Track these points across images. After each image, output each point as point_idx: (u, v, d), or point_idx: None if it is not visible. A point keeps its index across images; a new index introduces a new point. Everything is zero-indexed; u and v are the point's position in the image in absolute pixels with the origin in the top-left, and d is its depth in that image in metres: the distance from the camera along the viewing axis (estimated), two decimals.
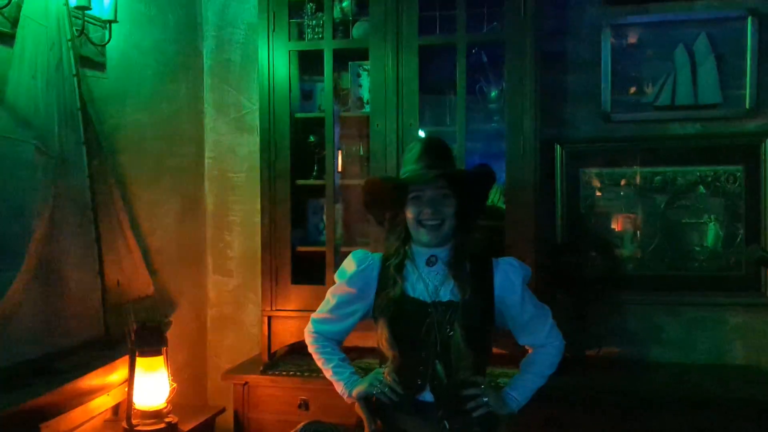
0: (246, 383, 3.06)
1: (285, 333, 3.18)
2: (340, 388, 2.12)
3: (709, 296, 3.17)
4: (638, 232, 3.24)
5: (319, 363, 2.19)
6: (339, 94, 3.25)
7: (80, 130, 2.56)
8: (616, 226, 3.26)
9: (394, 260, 2.08)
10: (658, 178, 3.20)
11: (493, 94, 3.13)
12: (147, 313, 2.85)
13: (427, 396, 2.02)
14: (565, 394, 2.73)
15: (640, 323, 3.25)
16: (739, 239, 3.14)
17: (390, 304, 2.04)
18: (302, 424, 2.34)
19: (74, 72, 2.53)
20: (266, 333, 3.17)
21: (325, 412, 2.77)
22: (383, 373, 2.05)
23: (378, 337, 2.09)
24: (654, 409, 2.79)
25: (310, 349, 2.22)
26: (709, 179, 3.16)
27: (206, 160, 3.68)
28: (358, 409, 2.10)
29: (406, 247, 2.10)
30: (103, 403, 2.57)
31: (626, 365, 3.16)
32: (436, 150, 2.09)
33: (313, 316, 2.23)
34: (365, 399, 2.09)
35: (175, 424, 2.67)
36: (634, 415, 2.78)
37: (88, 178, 2.59)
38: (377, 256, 2.13)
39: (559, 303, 2.85)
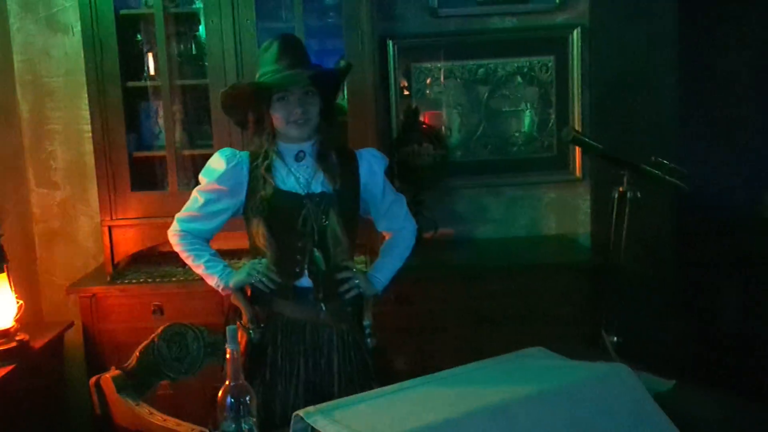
0: (93, 295, 2.97)
1: (127, 242, 3.09)
2: (214, 281, 2.15)
3: (526, 177, 3.53)
4: (464, 122, 3.49)
5: (188, 260, 2.19)
6: None
7: None
8: (445, 117, 3.48)
9: (262, 160, 2.11)
10: (481, 70, 3.45)
11: None
12: None
13: (305, 282, 2.12)
14: (409, 272, 2.98)
15: (468, 205, 3.56)
16: (551, 124, 3.50)
17: (264, 202, 2.08)
18: (162, 328, 2.34)
19: None
20: (108, 243, 3.07)
21: (181, 316, 2.77)
22: (260, 263, 2.11)
23: (253, 234, 2.13)
24: (484, 277, 3.14)
25: (177, 248, 2.21)
26: (525, 69, 3.46)
27: (16, 64, 3.35)
28: (234, 300, 2.16)
29: (274, 146, 2.13)
30: None
31: (459, 243, 3.49)
32: (293, 48, 2.11)
33: (179, 215, 2.20)
34: (241, 290, 2.15)
35: (27, 342, 2.57)
36: (469, 284, 3.11)
37: None
38: (245, 154, 2.14)
39: (399, 191, 3.05)
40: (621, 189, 2.35)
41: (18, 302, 2.57)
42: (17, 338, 2.54)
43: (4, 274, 2.53)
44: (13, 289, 2.56)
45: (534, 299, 3.09)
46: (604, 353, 2.26)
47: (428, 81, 3.44)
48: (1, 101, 3.26)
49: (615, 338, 2.53)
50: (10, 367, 2.41)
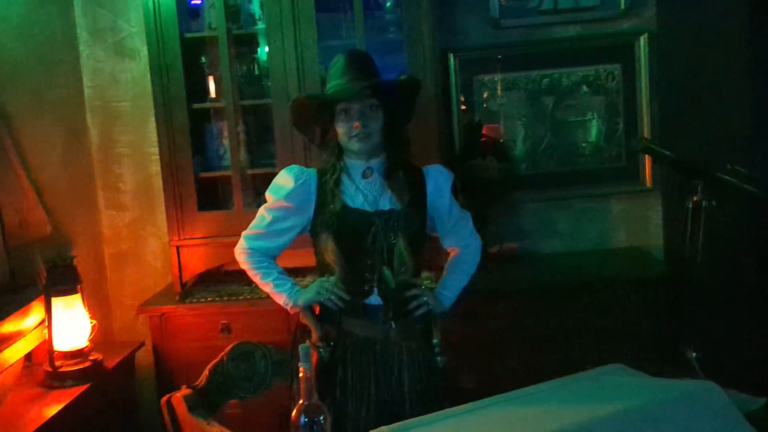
0: (163, 314, 3.01)
1: (195, 262, 3.12)
2: (282, 299, 2.14)
3: (594, 188, 3.43)
4: (529, 134, 3.42)
5: (256, 278, 2.19)
6: (228, 11, 3.13)
7: None
8: (509, 129, 3.42)
9: (330, 175, 2.10)
10: (545, 80, 3.38)
11: (388, 4, 3.13)
12: (47, 255, 2.72)
13: (374, 300, 2.10)
14: (476, 289, 2.92)
15: (534, 219, 3.48)
16: (619, 133, 3.41)
17: (333, 217, 2.07)
18: (230, 346, 2.35)
19: None
20: (176, 263, 3.10)
21: (248, 335, 2.78)
22: (328, 281, 2.09)
23: (321, 251, 2.12)
24: (553, 293, 3.05)
25: (244, 266, 2.21)
26: (591, 78, 3.38)
27: (86, 90, 3.45)
28: (303, 318, 2.14)
29: (341, 162, 2.12)
30: (19, 350, 2.44)
31: (526, 258, 3.40)
32: (359, 62, 2.11)
33: (246, 233, 2.21)
34: (309, 308, 2.13)
35: (101, 362, 2.60)
36: (538, 300, 3.03)
37: None
38: (312, 171, 2.14)
39: (463, 206, 3.01)
40: (695, 198, 2.27)
41: (92, 322, 2.61)
42: (91, 358, 2.58)
43: (78, 295, 2.57)
44: (87, 309, 2.60)
45: (606, 314, 2.99)
46: (686, 370, 2.16)
47: (490, 93, 3.39)
48: (73, 126, 3.34)
49: (695, 354, 2.43)
50: (85, 386, 2.45)
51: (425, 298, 2.14)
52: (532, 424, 1.55)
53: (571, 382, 1.83)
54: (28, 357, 2.63)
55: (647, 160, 3.36)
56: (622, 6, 3.31)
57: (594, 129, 3.41)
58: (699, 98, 3.23)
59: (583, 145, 3.42)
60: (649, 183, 3.40)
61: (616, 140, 3.41)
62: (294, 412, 1.52)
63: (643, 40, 3.32)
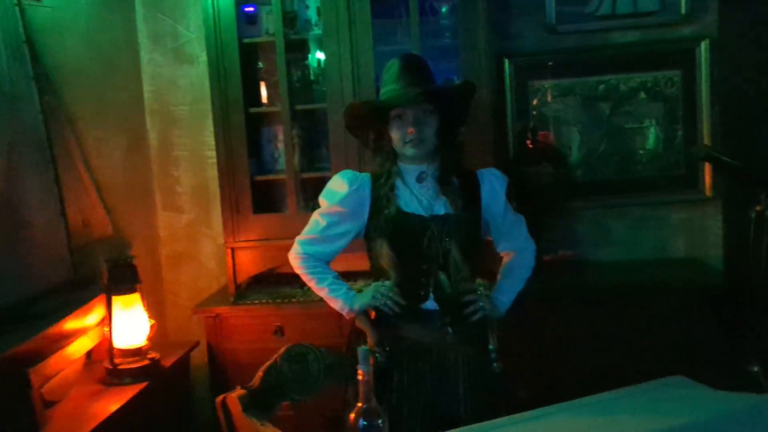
0: (218, 315, 3.05)
1: (249, 263, 3.16)
2: (338, 304, 2.14)
3: (652, 196, 3.36)
4: (585, 140, 3.37)
5: (311, 283, 2.20)
6: (285, 17, 3.17)
7: (28, 64, 2.42)
8: (564, 135, 3.38)
9: (384, 180, 2.10)
10: (602, 86, 3.33)
11: (444, 9, 3.13)
12: (106, 254, 2.78)
13: (430, 305, 2.08)
14: (530, 296, 2.89)
15: (589, 226, 3.43)
16: (678, 140, 3.33)
17: (388, 222, 2.07)
18: (284, 348, 2.36)
19: (15, 1, 2.35)
20: (231, 265, 3.15)
21: (300, 337, 2.80)
22: (384, 286, 2.09)
23: (376, 256, 2.12)
24: (609, 302, 2.99)
25: (299, 271, 2.22)
26: (649, 84, 3.31)
27: (146, 94, 3.53)
28: (359, 323, 2.14)
29: (395, 166, 2.12)
30: (82, 346, 2.51)
31: (580, 266, 3.35)
32: (413, 67, 2.10)
33: (300, 238, 2.22)
34: (365, 312, 2.14)
35: (158, 360, 2.65)
36: (593, 309, 2.98)
37: (40, 114, 2.45)
38: (366, 176, 2.14)
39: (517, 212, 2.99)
40: (758, 208, 2.22)
41: (150, 321, 2.66)
42: (149, 356, 2.63)
43: (138, 294, 2.63)
44: (145, 308, 2.66)
45: (664, 325, 2.93)
46: (748, 383, 2.10)
47: (545, 99, 3.36)
48: (133, 129, 3.43)
49: (756, 368, 2.36)
50: (143, 384, 2.50)
51: (482, 303, 2.12)
52: None
53: (633, 393, 1.79)
54: (89, 354, 2.70)
55: (707, 168, 3.28)
56: (683, 11, 3.24)
57: (652, 136, 3.35)
58: (761, 105, 3.15)
59: (641, 152, 3.36)
60: (708, 192, 3.32)
61: (674, 148, 3.34)
62: (352, 415, 1.52)
63: (704, 45, 3.24)
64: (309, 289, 2.31)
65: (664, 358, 2.83)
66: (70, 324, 2.44)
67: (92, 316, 2.57)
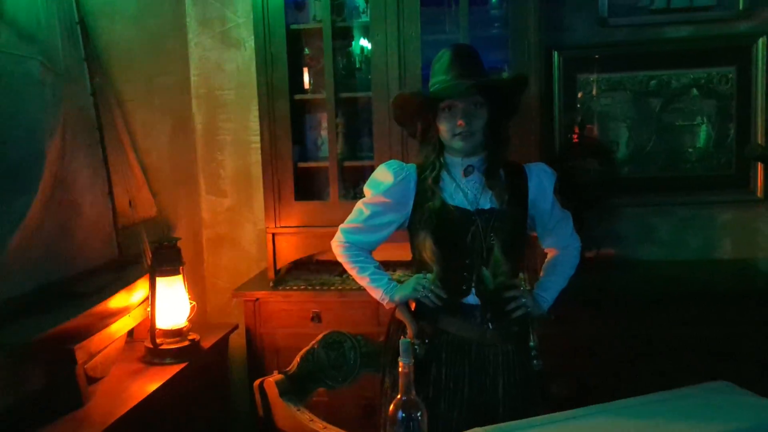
0: (257, 299, 3.08)
1: (289, 249, 3.18)
2: (379, 294, 2.14)
3: (699, 196, 3.29)
4: (633, 136, 3.31)
5: (353, 272, 2.19)
6: (333, 4, 3.16)
7: (80, 45, 2.45)
8: (612, 130, 3.32)
9: (430, 172, 2.08)
10: (653, 82, 3.26)
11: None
12: (151, 235, 2.82)
13: (471, 299, 2.06)
14: (571, 294, 2.85)
15: (633, 225, 3.37)
16: (730, 139, 3.25)
17: (432, 215, 2.04)
18: (322, 335, 2.37)
19: None
20: (271, 250, 3.17)
21: (337, 324, 2.81)
22: (426, 278, 2.07)
23: (419, 248, 2.10)
24: (652, 303, 2.93)
25: (341, 259, 2.22)
26: (703, 81, 3.23)
27: (192, 78, 3.56)
28: (399, 314, 2.14)
29: (442, 158, 2.10)
30: (125, 325, 2.55)
31: (623, 265, 3.29)
32: (465, 58, 2.07)
33: (343, 226, 2.22)
34: (405, 304, 2.13)
35: (198, 341, 2.68)
36: (635, 310, 2.92)
37: (91, 96, 2.49)
38: (412, 167, 2.12)
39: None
40: None
41: (191, 303, 2.69)
42: (190, 337, 2.66)
43: (181, 276, 2.66)
44: (187, 290, 2.69)
45: (708, 328, 2.86)
46: None
47: (594, 93, 3.30)
48: (179, 112, 3.46)
49: None
50: (183, 365, 2.53)
51: (524, 300, 2.10)
52: None
53: (675, 397, 1.76)
54: (131, 333, 2.74)
55: (760, 168, 3.20)
56: (741, 6, 3.15)
57: (703, 134, 3.27)
58: None
59: (690, 150, 3.29)
60: (760, 192, 3.23)
61: (726, 146, 3.26)
62: (391, 407, 1.52)
63: (761, 42, 3.15)
64: (348, 277, 2.31)
65: (707, 362, 2.77)
66: (115, 303, 2.48)
67: (136, 295, 2.61)
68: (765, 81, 3.18)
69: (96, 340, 2.35)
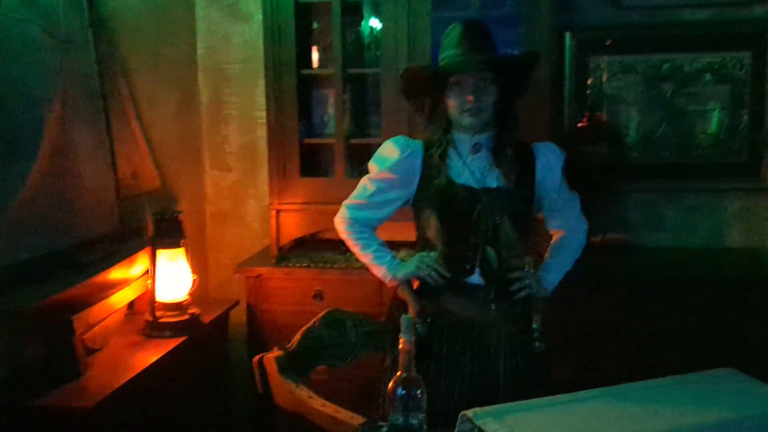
0: (259, 276, 3.05)
1: (292, 226, 3.15)
2: (381, 271, 2.12)
3: (710, 183, 3.25)
4: (643, 121, 3.26)
5: (355, 249, 2.17)
6: None
7: (85, 11, 2.41)
8: (622, 114, 3.27)
9: (437, 148, 2.05)
10: (666, 65, 3.21)
11: None
12: (154, 208, 2.79)
13: (475, 279, 2.04)
14: (576, 277, 2.82)
15: (642, 210, 3.33)
16: (742, 126, 3.20)
17: (438, 192, 2.02)
18: (323, 313, 2.34)
19: None
20: (275, 227, 3.14)
21: (339, 303, 2.77)
22: (429, 257, 2.04)
23: (423, 226, 2.08)
24: (658, 289, 2.90)
25: (344, 236, 2.19)
26: (716, 66, 3.18)
27: (199, 50, 3.51)
28: (401, 292, 2.11)
29: (449, 135, 2.07)
30: (124, 297, 2.53)
31: (629, 250, 3.26)
32: (476, 33, 2.04)
33: (347, 202, 2.19)
34: (408, 282, 2.10)
35: (198, 316, 2.66)
36: (641, 296, 2.90)
37: (95, 63, 2.45)
38: (419, 143, 2.09)
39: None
40: None
41: (193, 277, 2.67)
42: (190, 312, 2.64)
43: (182, 249, 2.64)
44: (189, 263, 2.67)
45: (714, 316, 2.83)
46: None
47: (606, 76, 3.25)
48: (185, 85, 3.42)
49: None
50: (182, 338, 2.51)
51: (528, 281, 2.07)
52: (639, 421, 1.47)
53: (682, 382, 1.73)
54: (130, 305, 2.72)
55: None
56: None
57: (715, 120, 3.22)
58: None
59: (702, 136, 3.24)
60: None
61: (738, 133, 3.21)
62: (391, 384, 1.50)
63: None
64: (351, 255, 2.29)
65: (713, 350, 2.75)
66: (115, 274, 2.46)
67: (136, 267, 2.59)
68: None
69: (95, 311, 2.33)
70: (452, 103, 2.03)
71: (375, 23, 3.17)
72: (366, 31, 3.22)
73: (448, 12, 3.01)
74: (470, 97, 1.98)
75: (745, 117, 3.19)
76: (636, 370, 2.12)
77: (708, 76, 3.19)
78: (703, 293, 2.84)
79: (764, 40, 3.12)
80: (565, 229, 2.26)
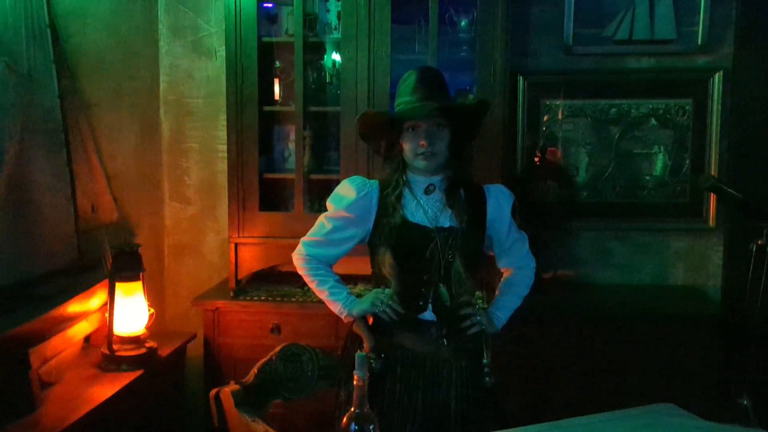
0: (217, 309, 3.07)
1: (251, 260, 3.19)
2: (337, 308, 2.17)
3: (655, 222, 3.39)
4: (593, 162, 3.40)
5: (313, 285, 2.22)
6: (306, 19, 3.19)
7: (49, 48, 2.44)
8: (572, 155, 3.40)
9: (392, 189, 2.13)
10: (613, 110, 3.36)
11: (463, 23, 3.16)
12: (111, 240, 2.81)
13: (428, 315, 2.11)
14: (526, 313, 2.92)
15: (590, 248, 3.45)
16: (685, 169, 3.36)
17: (393, 231, 2.09)
18: (280, 347, 2.38)
19: None
20: (233, 260, 3.17)
21: (296, 336, 2.83)
22: (384, 293, 2.11)
23: (378, 263, 2.14)
24: (605, 324, 3.01)
25: (301, 272, 2.24)
26: (661, 111, 3.34)
27: (162, 84, 3.55)
28: (356, 328, 2.16)
29: (404, 176, 2.15)
30: (82, 330, 2.53)
31: (578, 287, 3.38)
32: (430, 81, 2.13)
33: (305, 239, 2.25)
34: (363, 318, 2.16)
35: (155, 349, 2.67)
36: (588, 330, 3.00)
37: (58, 98, 2.48)
38: (375, 183, 2.17)
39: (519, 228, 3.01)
40: (759, 242, 2.25)
41: (150, 310, 2.68)
42: (147, 345, 2.65)
43: (140, 283, 2.66)
44: (146, 297, 2.68)
45: (657, 351, 2.95)
46: (737, 415, 2.12)
47: (556, 118, 3.38)
48: (147, 118, 3.45)
49: (745, 401, 2.38)
50: (138, 372, 2.52)
51: (479, 318, 2.14)
52: None
53: (621, 417, 1.81)
54: (87, 338, 2.72)
55: (712, 198, 3.31)
56: (699, 41, 3.27)
57: (659, 162, 3.37)
58: None
59: (647, 177, 3.38)
60: (712, 222, 3.35)
61: (681, 176, 3.36)
62: (344, 420, 1.54)
63: (717, 77, 3.27)
64: (308, 289, 2.33)
65: (656, 384, 2.85)
66: (73, 307, 2.47)
67: (94, 300, 2.59)
68: (720, 114, 3.29)
69: (52, 344, 2.33)
70: (407, 147, 2.11)
71: (337, 57, 3.25)
72: (329, 64, 3.31)
73: (407, 54, 3.13)
74: (423, 143, 2.06)
75: (688, 161, 3.35)
76: (583, 402, 2.21)
77: (653, 121, 3.35)
78: (646, 328, 2.96)
79: (706, 88, 3.30)
80: (514, 267, 2.34)
